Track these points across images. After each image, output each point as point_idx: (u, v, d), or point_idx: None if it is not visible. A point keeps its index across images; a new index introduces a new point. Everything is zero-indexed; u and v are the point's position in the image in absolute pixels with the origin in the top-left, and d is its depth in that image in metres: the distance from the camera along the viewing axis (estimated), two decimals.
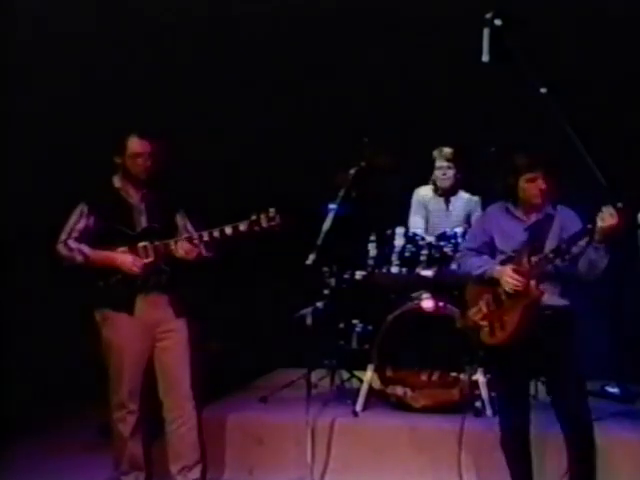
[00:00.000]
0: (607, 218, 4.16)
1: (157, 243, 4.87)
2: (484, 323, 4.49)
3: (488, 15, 4.55)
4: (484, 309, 4.51)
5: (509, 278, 4.40)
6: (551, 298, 4.43)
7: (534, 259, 4.38)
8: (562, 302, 4.48)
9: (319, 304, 5.75)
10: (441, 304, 5.50)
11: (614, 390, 5.86)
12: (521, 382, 4.58)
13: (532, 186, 4.46)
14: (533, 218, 4.53)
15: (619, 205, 4.17)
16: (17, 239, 6.48)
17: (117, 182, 4.99)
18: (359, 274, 5.94)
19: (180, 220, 5.07)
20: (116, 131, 5.06)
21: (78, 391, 6.17)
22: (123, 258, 4.85)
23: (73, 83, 6.63)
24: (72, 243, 4.92)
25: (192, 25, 6.64)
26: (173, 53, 6.70)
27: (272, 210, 4.81)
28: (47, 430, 5.92)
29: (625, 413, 5.45)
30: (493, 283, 4.49)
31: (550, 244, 4.41)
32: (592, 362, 6.14)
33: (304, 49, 6.62)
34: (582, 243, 4.29)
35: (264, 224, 4.80)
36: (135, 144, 4.91)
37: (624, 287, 6.22)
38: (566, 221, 4.46)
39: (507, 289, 4.41)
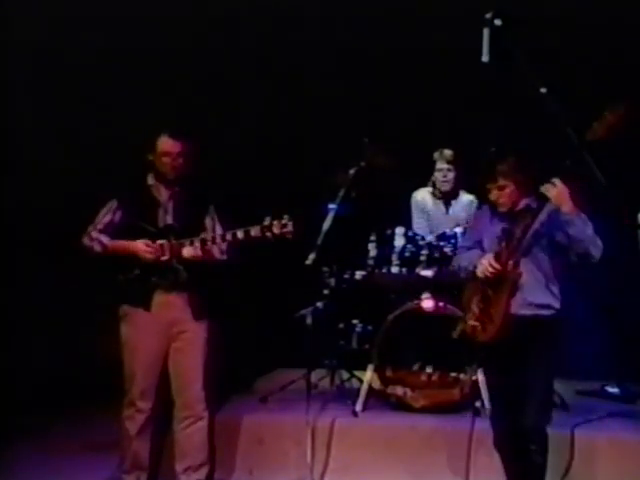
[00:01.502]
0: (550, 189, 4.20)
1: (173, 242, 4.89)
2: (476, 323, 4.47)
3: (488, 15, 4.55)
4: (476, 311, 4.50)
5: (484, 261, 4.41)
6: (534, 295, 4.40)
7: (507, 244, 4.38)
8: (547, 301, 4.42)
9: (319, 304, 5.75)
10: (441, 304, 5.50)
11: (614, 390, 5.86)
12: (509, 382, 4.51)
13: (491, 196, 4.46)
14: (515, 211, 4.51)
15: (565, 164, 4.20)
16: (19, 238, 6.49)
17: (150, 180, 5.04)
18: (359, 274, 5.94)
19: (209, 221, 5.08)
20: (148, 130, 5.10)
21: (78, 391, 6.17)
22: (136, 245, 4.88)
23: (105, 78, 6.65)
24: (94, 233, 4.99)
25: (202, 26, 6.65)
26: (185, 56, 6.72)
27: (286, 217, 4.79)
28: (47, 430, 5.92)
29: (625, 413, 5.45)
30: (481, 283, 4.49)
31: (529, 235, 4.37)
32: (592, 362, 6.19)
33: (305, 49, 6.62)
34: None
35: (276, 230, 4.78)
36: (165, 143, 4.95)
37: (624, 287, 6.22)
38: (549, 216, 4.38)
39: (479, 273, 4.41)
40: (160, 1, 6.56)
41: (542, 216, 4.35)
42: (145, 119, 6.13)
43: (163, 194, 5.02)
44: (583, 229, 4.26)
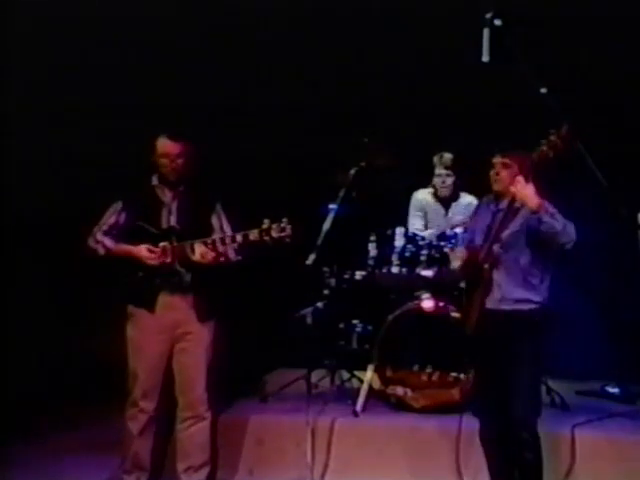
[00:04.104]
0: (512, 188, 4.24)
1: (175, 244, 4.89)
2: (458, 315, 4.52)
3: (488, 15, 4.56)
4: (464, 305, 4.57)
5: (453, 253, 4.56)
6: (511, 291, 4.41)
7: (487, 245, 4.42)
8: (525, 296, 4.41)
9: (319, 304, 5.75)
10: (441, 304, 5.50)
11: (614, 390, 5.87)
12: (493, 375, 4.52)
13: (492, 172, 4.51)
14: (501, 207, 4.52)
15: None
16: (18, 238, 6.49)
17: (154, 180, 5.04)
18: (359, 274, 5.94)
19: (216, 221, 5.06)
20: (153, 131, 5.08)
21: (78, 391, 6.17)
22: (139, 250, 4.87)
23: (106, 77, 6.65)
24: (99, 235, 5.00)
25: (206, 27, 6.64)
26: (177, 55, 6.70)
27: (284, 220, 4.76)
28: (47, 430, 5.92)
29: (625, 413, 5.45)
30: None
31: (506, 233, 4.41)
32: (592, 362, 6.19)
33: (305, 49, 6.62)
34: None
35: (274, 234, 4.75)
36: (163, 145, 4.95)
37: (624, 287, 6.23)
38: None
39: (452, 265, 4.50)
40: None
41: (519, 217, 4.38)
42: (150, 119, 6.12)
43: (167, 195, 5.02)
44: (552, 225, 4.24)
